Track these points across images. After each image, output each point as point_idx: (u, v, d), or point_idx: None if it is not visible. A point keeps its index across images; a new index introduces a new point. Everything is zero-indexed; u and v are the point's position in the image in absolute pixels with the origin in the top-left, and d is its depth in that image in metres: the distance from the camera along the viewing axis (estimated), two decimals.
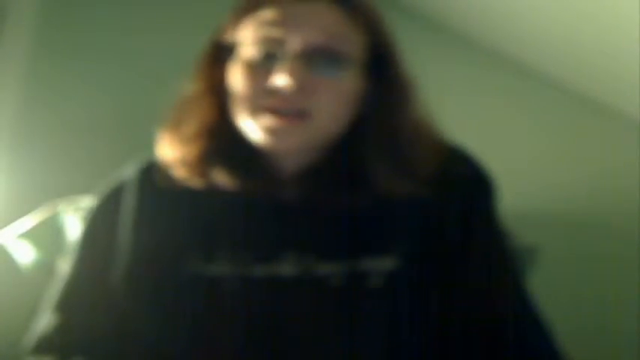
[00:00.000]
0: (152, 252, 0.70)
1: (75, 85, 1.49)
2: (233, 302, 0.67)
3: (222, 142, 0.70)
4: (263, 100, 0.65)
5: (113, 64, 1.50)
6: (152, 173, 0.73)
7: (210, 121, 0.70)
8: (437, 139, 0.72)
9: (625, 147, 1.53)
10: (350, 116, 0.69)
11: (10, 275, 1.25)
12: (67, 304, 0.73)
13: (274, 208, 0.70)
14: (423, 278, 0.68)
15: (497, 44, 1.55)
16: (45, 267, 1.11)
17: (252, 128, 0.66)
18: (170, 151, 0.71)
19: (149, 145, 0.75)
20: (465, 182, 0.72)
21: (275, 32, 0.64)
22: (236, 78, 0.67)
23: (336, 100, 0.66)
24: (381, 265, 0.67)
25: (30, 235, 1.14)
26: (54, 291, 0.75)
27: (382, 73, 0.69)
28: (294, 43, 0.64)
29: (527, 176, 1.52)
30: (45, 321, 0.73)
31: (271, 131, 0.65)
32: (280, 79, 0.62)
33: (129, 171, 0.76)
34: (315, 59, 0.64)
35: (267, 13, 0.66)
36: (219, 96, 0.70)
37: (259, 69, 0.65)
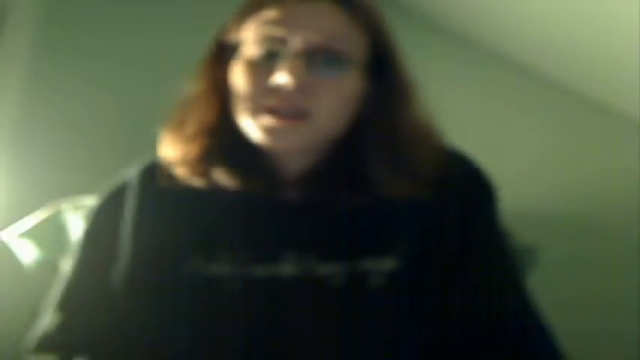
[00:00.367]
0: (153, 251, 0.70)
1: (76, 85, 1.49)
2: (233, 302, 0.67)
3: (223, 141, 0.70)
4: (264, 100, 0.65)
5: (114, 64, 1.50)
6: (154, 173, 0.73)
7: (211, 121, 0.70)
8: (437, 140, 0.72)
9: (625, 147, 1.54)
10: (350, 117, 0.69)
11: (13, 274, 1.25)
12: (68, 303, 0.73)
13: (275, 208, 0.70)
14: (424, 279, 0.68)
15: (498, 44, 1.55)
16: (47, 266, 1.11)
17: (252, 128, 0.67)
18: (171, 150, 0.71)
19: (151, 144, 0.75)
20: (464, 184, 0.72)
21: (277, 31, 0.65)
22: (238, 76, 0.67)
23: (336, 101, 0.66)
24: (381, 266, 0.67)
25: (32, 234, 1.15)
26: (56, 290, 0.75)
27: (383, 73, 0.69)
28: (296, 42, 0.64)
29: (527, 176, 1.52)
30: (46, 320, 0.73)
31: (270, 131, 0.65)
32: (281, 77, 0.63)
33: (131, 172, 0.76)
34: (316, 58, 0.65)
35: (270, 13, 0.66)
36: (221, 96, 0.70)
37: (261, 68, 0.65)
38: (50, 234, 1.13)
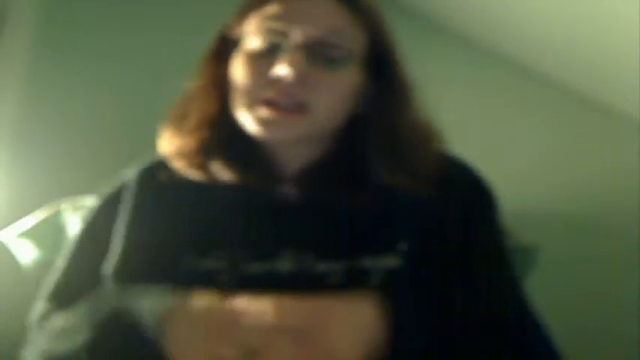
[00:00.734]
0: (148, 246, 0.70)
1: (76, 85, 1.49)
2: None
3: (221, 134, 0.70)
4: (262, 92, 0.66)
5: (114, 64, 1.50)
6: (153, 171, 0.74)
7: (211, 115, 0.71)
8: (436, 140, 0.72)
9: (625, 147, 1.54)
10: (348, 112, 0.70)
11: (12, 274, 1.25)
12: (59, 294, 0.74)
13: (273, 206, 0.70)
14: (424, 278, 0.68)
15: (498, 44, 1.55)
16: (46, 266, 1.11)
17: (249, 120, 0.67)
18: (171, 143, 0.72)
19: (151, 143, 0.75)
20: (465, 187, 0.73)
21: (278, 25, 0.67)
22: (238, 69, 0.68)
23: (334, 94, 0.67)
24: (381, 264, 0.67)
25: (31, 234, 1.15)
26: (48, 281, 0.76)
27: (381, 71, 0.70)
28: (296, 35, 0.66)
29: (527, 176, 1.52)
30: (37, 309, 0.74)
31: (266, 123, 0.66)
32: (281, 69, 0.64)
33: (129, 173, 0.77)
34: (316, 52, 0.66)
35: (272, 8, 0.68)
36: (221, 90, 0.71)
37: (261, 60, 0.67)
38: (49, 234, 1.13)
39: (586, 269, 1.48)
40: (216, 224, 0.70)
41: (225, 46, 0.72)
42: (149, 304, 0.61)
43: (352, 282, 0.66)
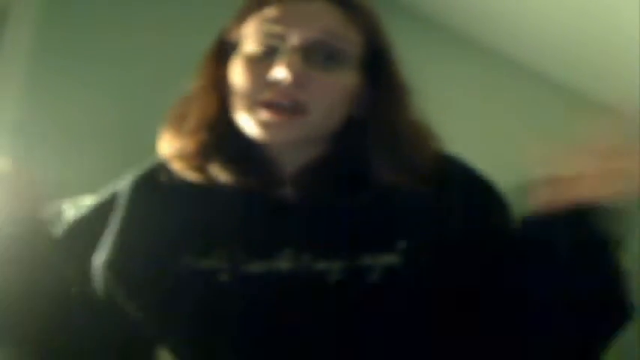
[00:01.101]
0: (145, 245, 0.70)
1: (76, 85, 1.49)
2: (228, 296, 0.67)
3: (221, 136, 0.70)
4: (261, 94, 0.66)
5: (114, 64, 1.50)
6: (152, 173, 0.74)
7: (210, 117, 0.71)
8: (434, 140, 0.73)
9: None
10: (345, 112, 0.70)
11: None
12: None
13: (272, 206, 0.71)
14: (424, 275, 0.68)
15: (497, 44, 1.56)
16: None
17: (249, 123, 0.68)
18: (170, 145, 0.72)
19: (150, 144, 0.75)
20: (464, 183, 0.73)
21: (276, 28, 0.67)
22: (237, 72, 0.69)
23: (332, 95, 0.67)
24: (381, 262, 0.67)
25: None
26: None
27: (378, 71, 0.70)
28: (294, 38, 0.66)
29: (527, 176, 1.52)
30: None
31: (266, 126, 0.66)
32: (279, 71, 0.64)
33: (123, 183, 0.76)
34: (313, 54, 0.66)
35: (270, 11, 0.68)
36: (220, 93, 0.71)
37: (259, 63, 0.67)
38: None
39: None
40: (215, 224, 0.70)
41: (224, 49, 0.72)
42: None
43: (351, 280, 0.66)
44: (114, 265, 0.69)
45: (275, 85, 0.65)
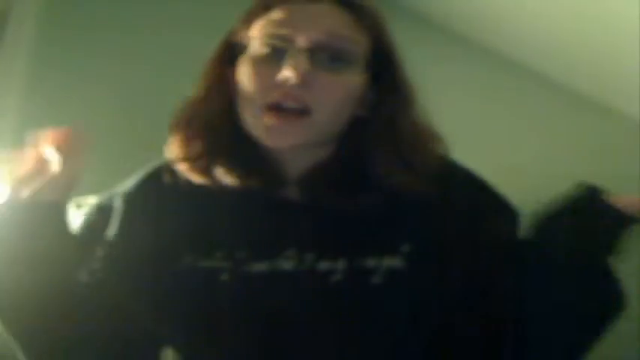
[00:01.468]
0: (147, 244, 0.70)
1: (77, 84, 1.50)
2: (230, 295, 0.68)
3: (226, 139, 0.71)
4: (268, 96, 0.66)
5: (115, 64, 1.51)
6: (158, 174, 0.74)
7: (216, 119, 0.71)
8: (438, 142, 0.73)
9: (625, 147, 1.54)
10: (350, 114, 0.70)
11: None
12: None
13: (276, 207, 0.71)
14: (427, 277, 0.68)
15: (498, 44, 1.56)
16: None
17: (255, 126, 0.68)
18: (175, 147, 0.72)
19: (152, 144, 0.75)
20: (468, 186, 0.73)
21: (283, 30, 0.67)
22: (244, 74, 0.69)
23: (338, 96, 0.68)
24: (384, 264, 0.67)
25: None
26: None
27: (383, 73, 0.71)
28: (300, 40, 0.66)
29: (527, 176, 1.52)
30: None
31: (273, 130, 0.66)
32: (286, 72, 0.64)
33: (127, 184, 0.77)
34: (320, 56, 0.67)
35: (277, 14, 0.69)
36: (227, 95, 0.71)
37: (267, 65, 0.67)
38: None
39: None
40: (218, 224, 0.70)
41: (230, 51, 0.72)
42: None
43: (354, 281, 0.66)
44: (115, 264, 0.70)
45: (282, 86, 0.65)
